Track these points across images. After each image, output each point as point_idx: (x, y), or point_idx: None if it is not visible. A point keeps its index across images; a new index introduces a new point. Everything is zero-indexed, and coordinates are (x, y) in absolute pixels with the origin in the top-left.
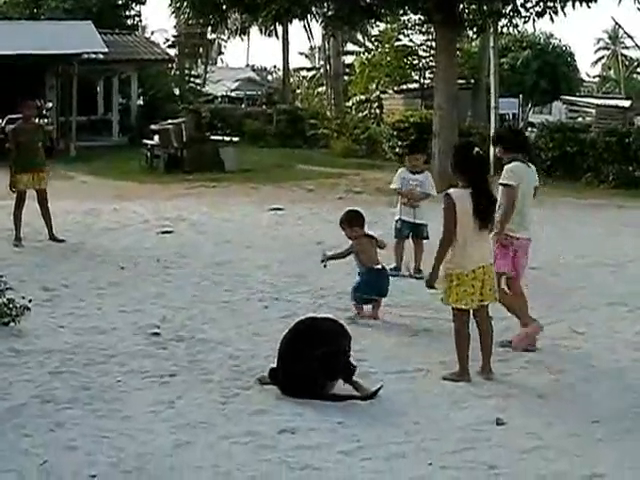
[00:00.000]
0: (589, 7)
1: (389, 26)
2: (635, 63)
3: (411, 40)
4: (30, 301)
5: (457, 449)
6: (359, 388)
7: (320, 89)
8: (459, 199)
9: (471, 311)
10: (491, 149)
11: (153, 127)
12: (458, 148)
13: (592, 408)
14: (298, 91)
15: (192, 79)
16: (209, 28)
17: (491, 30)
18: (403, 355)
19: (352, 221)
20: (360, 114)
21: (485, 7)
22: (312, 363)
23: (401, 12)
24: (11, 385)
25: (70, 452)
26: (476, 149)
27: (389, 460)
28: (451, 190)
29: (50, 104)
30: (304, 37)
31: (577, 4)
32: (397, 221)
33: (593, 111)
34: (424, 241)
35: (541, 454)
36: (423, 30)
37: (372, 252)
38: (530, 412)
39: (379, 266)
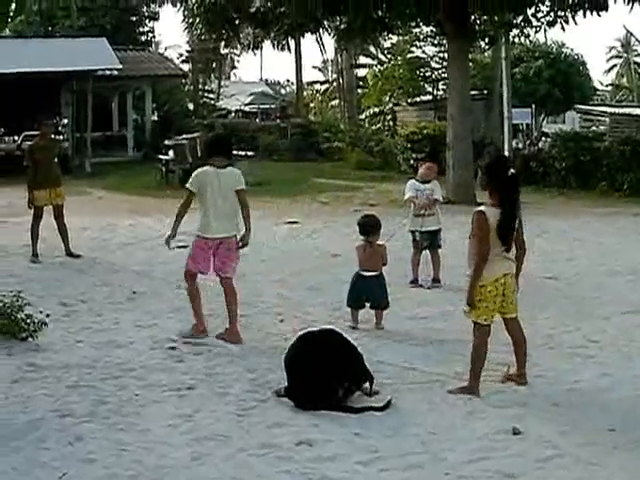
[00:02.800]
0: (600, 16)
1: (401, 38)
2: None
3: (424, 52)
4: (48, 316)
5: (474, 459)
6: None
7: (333, 102)
8: (491, 217)
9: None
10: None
11: (168, 142)
12: (494, 165)
13: (608, 416)
14: (312, 104)
15: (206, 94)
16: (222, 43)
17: (503, 40)
18: (419, 366)
19: (360, 229)
20: (374, 127)
21: (496, 18)
22: (329, 374)
23: (413, 24)
24: (30, 399)
25: (89, 465)
26: (511, 170)
27: (406, 470)
28: (483, 207)
29: (65, 120)
30: (317, 51)
31: (588, 13)
32: (412, 232)
33: (607, 119)
34: (439, 250)
35: (557, 463)
36: (435, 42)
37: (367, 257)
38: (546, 421)
39: (367, 272)
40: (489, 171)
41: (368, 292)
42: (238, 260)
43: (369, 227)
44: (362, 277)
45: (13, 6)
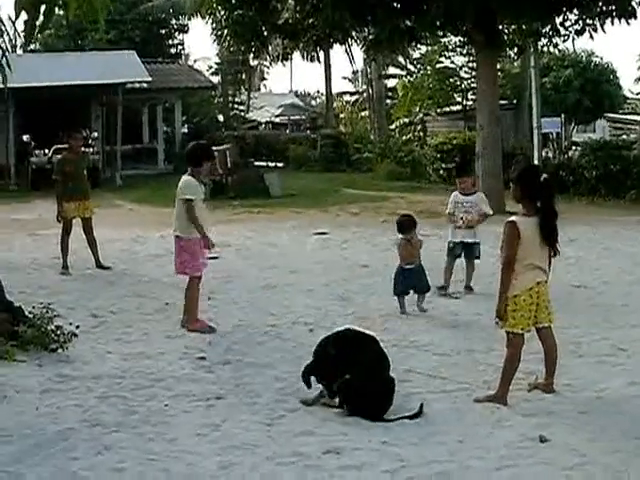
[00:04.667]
0: (628, 24)
1: (430, 48)
2: None
3: (452, 62)
4: (78, 327)
5: (501, 466)
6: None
7: (363, 113)
8: (524, 228)
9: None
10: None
11: None
12: (525, 174)
13: (635, 424)
14: (341, 115)
15: (236, 106)
16: (251, 55)
17: (531, 50)
18: (446, 375)
19: (398, 228)
20: (404, 137)
21: (524, 27)
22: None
23: (441, 34)
24: (60, 409)
25: (118, 474)
26: (544, 175)
27: (433, 479)
28: (515, 218)
29: (96, 134)
30: (346, 61)
31: (616, 20)
32: (450, 242)
33: (637, 128)
34: (476, 261)
35: (585, 470)
36: (464, 51)
37: (408, 253)
38: (573, 429)
39: (409, 265)
40: (521, 181)
41: (412, 281)
42: (189, 260)
43: (406, 225)
44: (404, 270)
45: (41, 18)
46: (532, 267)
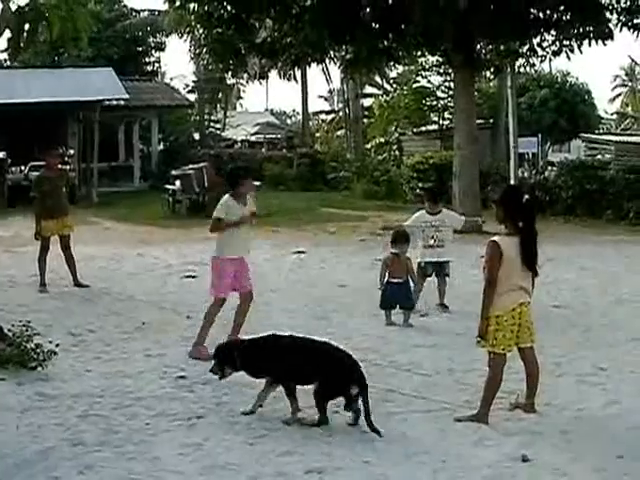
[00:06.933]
0: (605, 45)
1: (407, 68)
2: None
3: (429, 81)
4: (57, 346)
5: None
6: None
7: (339, 132)
8: (506, 247)
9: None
10: None
11: (174, 172)
12: (508, 195)
13: (616, 443)
14: (318, 134)
15: (212, 124)
16: (228, 73)
17: (508, 70)
18: (428, 395)
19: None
20: (380, 156)
21: (502, 47)
22: None
23: (419, 54)
24: (40, 428)
25: None
26: (526, 196)
27: None
28: (497, 238)
29: (72, 151)
30: (323, 80)
31: (593, 42)
32: (420, 262)
33: (612, 148)
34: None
35: None
36: (441, 71)
37: (396, 268)
38: (555, 448)
39: (395, 280)
40: (504, 202)
41: (397, 296)
42: (214, 280)
43: (397, 238)
44: (391, 284)
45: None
46: (516, 288)
